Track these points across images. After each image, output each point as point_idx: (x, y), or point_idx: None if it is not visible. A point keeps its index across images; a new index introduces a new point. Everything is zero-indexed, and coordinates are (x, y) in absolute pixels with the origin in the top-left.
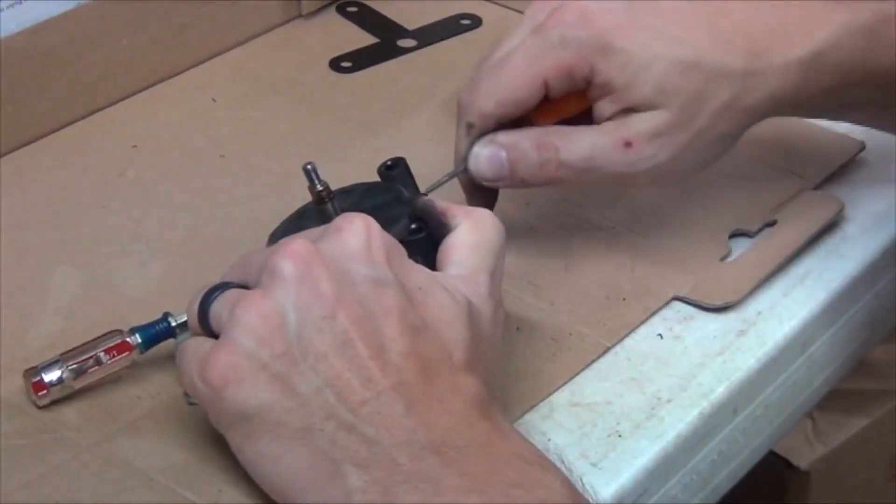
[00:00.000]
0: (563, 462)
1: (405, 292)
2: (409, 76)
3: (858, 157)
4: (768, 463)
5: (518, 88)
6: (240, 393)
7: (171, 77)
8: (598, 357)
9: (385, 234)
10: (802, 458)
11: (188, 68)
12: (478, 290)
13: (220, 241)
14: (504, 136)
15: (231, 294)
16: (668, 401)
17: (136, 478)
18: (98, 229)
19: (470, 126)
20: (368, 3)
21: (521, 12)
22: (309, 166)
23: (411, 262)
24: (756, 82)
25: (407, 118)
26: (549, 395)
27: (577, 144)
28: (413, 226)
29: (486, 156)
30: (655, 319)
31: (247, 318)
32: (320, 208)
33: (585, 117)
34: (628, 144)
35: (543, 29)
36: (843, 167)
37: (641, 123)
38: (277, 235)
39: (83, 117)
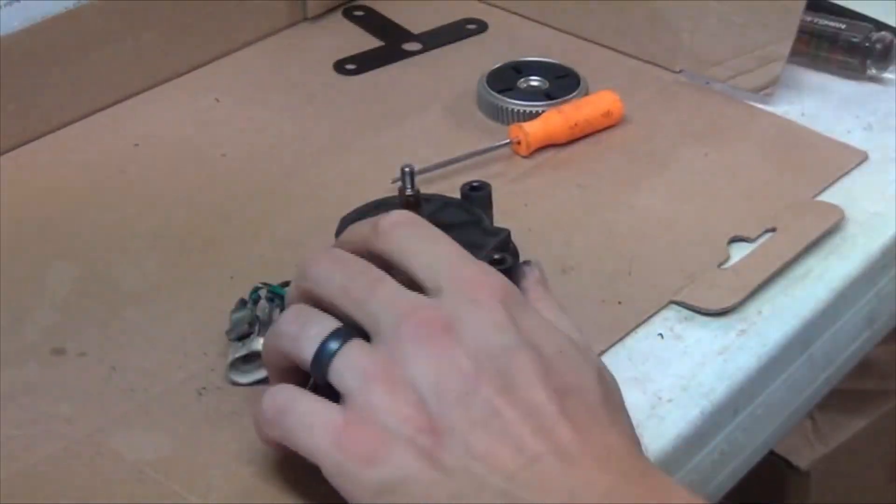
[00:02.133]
0: None
1: (546, 357)
2: (414, 79)
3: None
4: (768, 463)
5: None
6: (386, 467)
7: (174, 77)
8: None
9: (521, 295)
10: (802, 458)
11: (192, 69)
12: (592, 351)
13: (217, 239)
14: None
15: (357, 357)
16: (669, 400)
17: (127, 471)
18: (96, 225)
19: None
20: (374, 7)
21: (527, 17)
22: (407, 168)
23: (548, 323)
24: None
25: (410, 121)
26: None
27: None
28: (496, 256)
29: None
30: (656, 319)
31: (383, 396)
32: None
33: None
34: None
35: None
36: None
37: None
38: (349, 220)
39: (85, 116)
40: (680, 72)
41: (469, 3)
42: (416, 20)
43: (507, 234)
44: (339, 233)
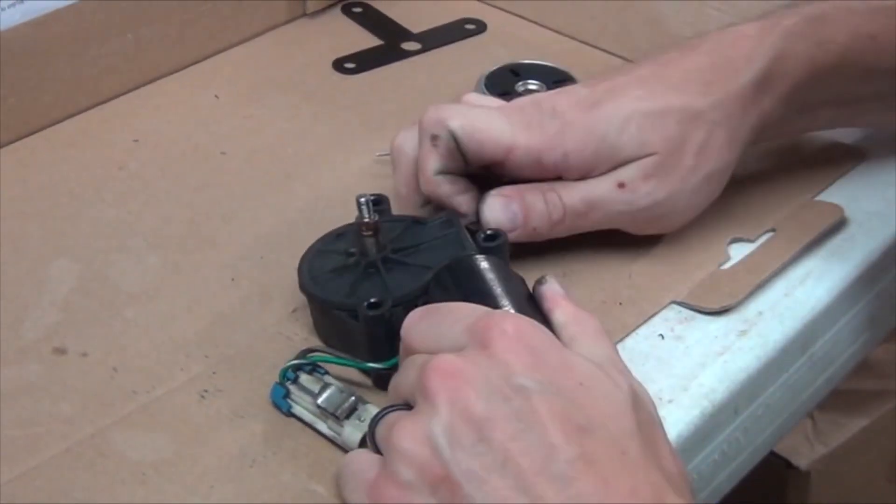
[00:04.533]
0: None
1: (565, 392)
2: (412, 79)
3: (859, 162)
4: (768, 463)
5: (487, 132)
6: None
7: (174, 73)
8: None
9: (537, 330)
10: (802, 458)
11: (191, 64)
12: (626, 373)
13: (217, 237)
14: (509, 189)
15: (391, 416)
16: (670, 401)
17: (129, 472)
18: (96, 222)
19: (434, 137)
20: (373, 5)
21: (526, 18)
22: (363, 199)
23: (569, 354)
24: (720, 115)
25: (408, 121)
26: None
27: (576, 188)
28: (489, 231)
29: (499, 206)
30: (656, 320)
31: (402, 444)
32: (362, 239)
33: None
34: (622, 185)
35: (525, 111)
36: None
37: (632, 169)
38: (309, 257)
39: (85, 110)
40: None
41: (468, 3)
42: (415, 18)
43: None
44: (300, 269)
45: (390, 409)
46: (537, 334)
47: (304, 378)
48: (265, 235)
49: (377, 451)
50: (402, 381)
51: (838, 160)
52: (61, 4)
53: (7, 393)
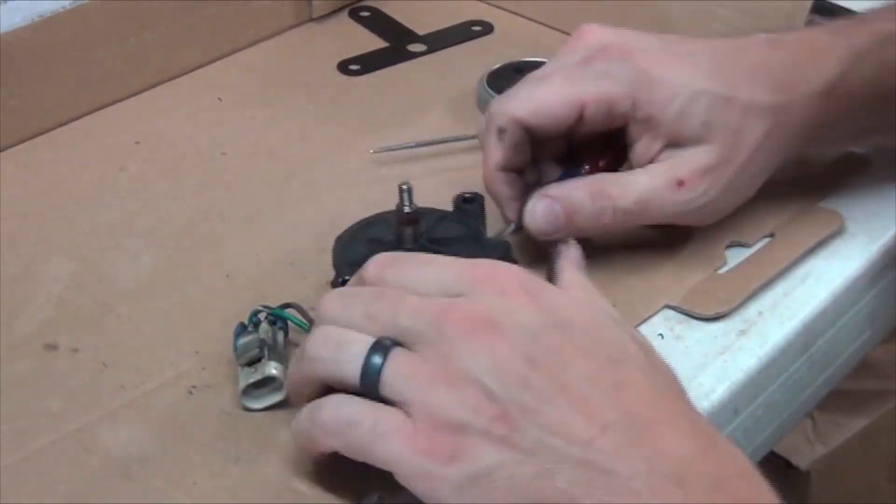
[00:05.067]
0: None
1: (582, 328)
2: (418, 80)
3: (862, 168)
4: (768, 463)
5: (554, 104)
6: (468, 462)
7: (177, 77)
8: None
9: (531, 276)
10: (802, 458)
11: (196, 68)
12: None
13: (214, 237)
14: (555, 189)
15: (405, 365)
16: None
17: (113, 467)
18: (94, 222)
19: (501, 131)
20: (381, 8)
21: (533, 20)
22: (405, 186)
23: (573, 297)
24: (784, 117)
25: (413, 122)
26: None
27: (631, 189)
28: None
29: (541, 210)
30: (656, 319)
31: (447, 395)
32: (400, 227)
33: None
34: (681, 183)
35: (587, 61)
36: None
37: (691, 161)
38: (345, 239)
39: (88, 113)
40: None
41: (475, 5)
42: (422, 21)
43: (507, 246)
44: (334, 252)
45: (378, 350)
46: (532, 279)
47: (262, 326)
48: (263, 236)
49: (375, 395)
50: (385, 315)
51: (843, 167)
52: (62, 7)
53: None
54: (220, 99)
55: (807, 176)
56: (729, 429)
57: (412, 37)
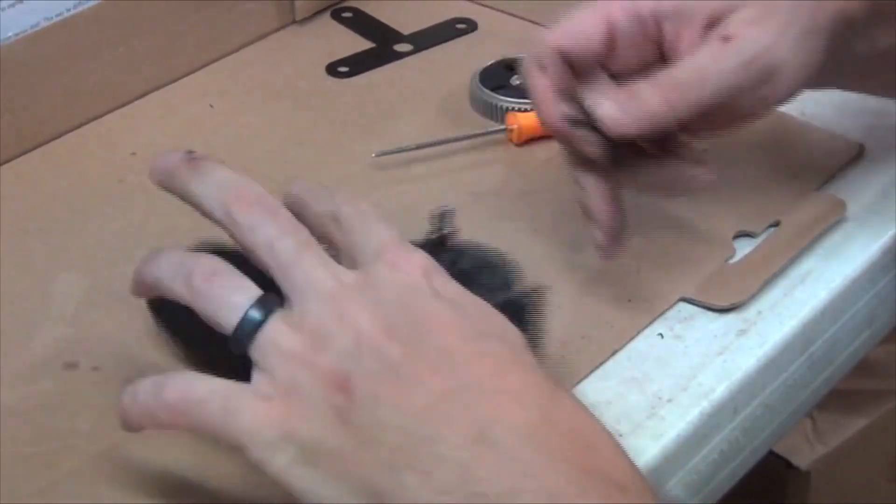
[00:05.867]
0: None
1: (461, 308)
2: (407, 80)
3: (858, 156)
4: (768, 463)
5: (583, 22)
6: (303, 436)
7: (167, 84)
8: (606, 360)
9: (443, 272)
10: (802, 458)
11: (185, 75)
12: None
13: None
14: (615, 91)
15: (281, 335)
16: (669, 400)
17: (151, 484)
18: (100, 236)
19: (541, 63)
20: (362, 8)
21: (516, 16)
22: (446, 209)
23: (468, 292)
24: None
25: (405, 122)
26: None
27: (684, 64)
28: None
29: (615, 101)
30: (656, 319)
31: (304, 373)
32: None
33: None
34: (727, 38)
35: None
36: (844, 167)
37: (731, 20)
38: None
39: (81, 125)
40: None
41: (458, 3)
42: (405, 21)
43: (524, 294)
44: None
45: (260, 307)
46: (446, 275)
47: None
48: None
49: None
50: (285, 256)
51: (838, 153)
52: (52, 20)
53: (22, 409)
54: (211, 106)
55: (804, 163)
56: (728, 428)
57: (397, 37)
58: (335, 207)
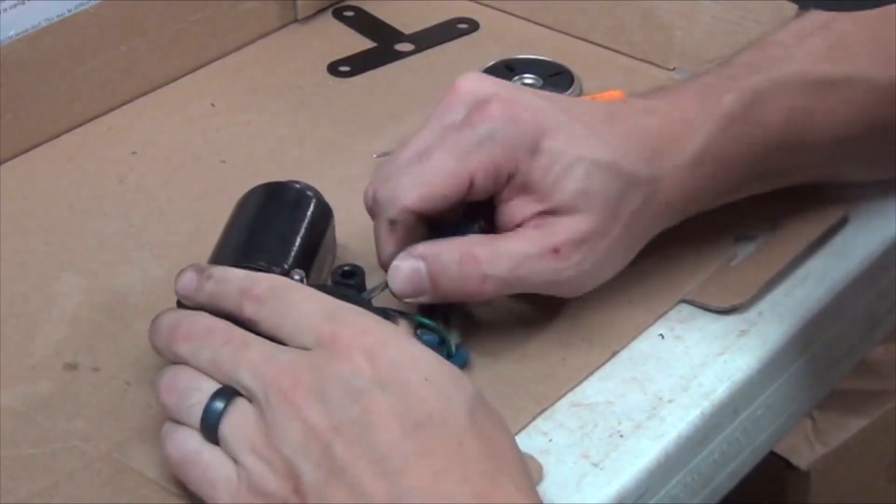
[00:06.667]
0: (563, 462)
1: (405, 389)
2: (409, 80)
3: None
4: (768, 463)
5: (443, 185)
6: None
7: (169, 83)
8: (607, 361)
9: (381, 325)
10: (802, 458)
11: (186, 74)
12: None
13: None
14: (424, 248)
15: (240, 424)
16: (670, 401)
17: (150, 487)
18: (100, 236)
19: (392, 222)
20: (364, 7)
21: (518, 16)
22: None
23: (414, 354)
24: (655, 189)
25: (406, 122)
26: (558, 399)
27: (503, 255)
28: (346, 268)
29: (405, 270)
30: (657, 320)
31: (260, 465)
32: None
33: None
34: (556, 251)
35: (470, 124)
36: None
37: (567, 230)
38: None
39: (82, 124)
40: (673, 69)
41: (460, 3)
42: (407, 20)
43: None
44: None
45: (219, 397)
46: (380, 334)
47: None
48: None
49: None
50: (227, 365)
51: None
52: (53, 19)
53: (21, 411)
54: (213, 105)
55: None
56: (729, 429)
57: (399, 36)
58: (248, 292)
